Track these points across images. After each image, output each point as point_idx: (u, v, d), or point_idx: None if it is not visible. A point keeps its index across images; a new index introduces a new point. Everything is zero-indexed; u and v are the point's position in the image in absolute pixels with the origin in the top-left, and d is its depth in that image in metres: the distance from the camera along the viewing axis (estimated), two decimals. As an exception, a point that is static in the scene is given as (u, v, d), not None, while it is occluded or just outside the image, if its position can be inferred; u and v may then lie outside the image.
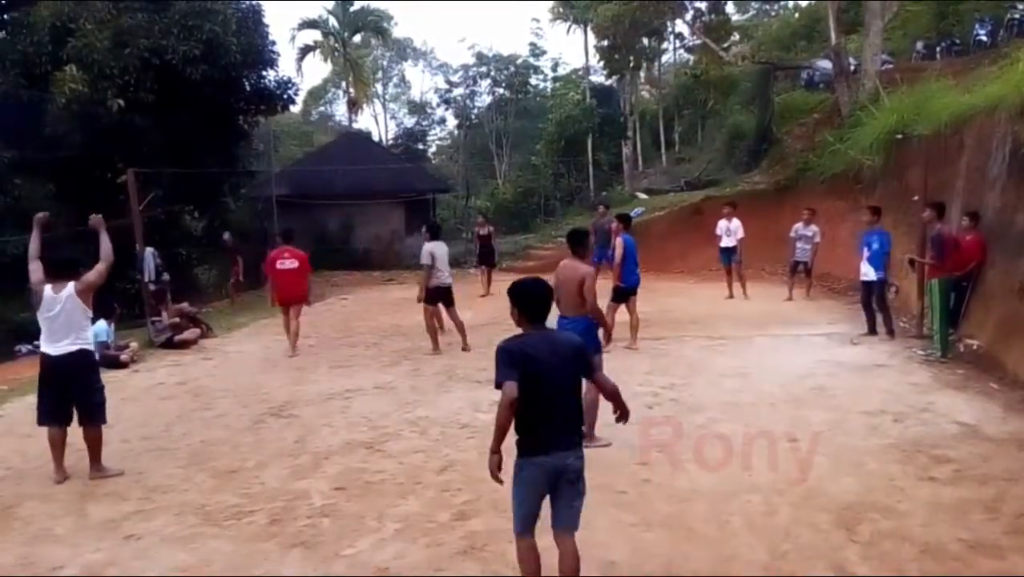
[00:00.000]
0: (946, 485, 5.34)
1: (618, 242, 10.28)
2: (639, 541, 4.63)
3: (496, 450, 3.67)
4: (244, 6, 18.95)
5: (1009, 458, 5.82)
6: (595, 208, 18.39)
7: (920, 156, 11.31)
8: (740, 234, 14.75)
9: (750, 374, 8.77)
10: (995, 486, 5.28)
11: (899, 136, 12.96)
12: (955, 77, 13.58)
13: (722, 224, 15.22)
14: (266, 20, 19.53)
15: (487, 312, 14.65)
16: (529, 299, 3.85)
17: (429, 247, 10.81)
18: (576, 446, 3.77)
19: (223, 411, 8.14)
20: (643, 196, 26.68)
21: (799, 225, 14.43)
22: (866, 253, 10.73)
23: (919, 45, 22.11)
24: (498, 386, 3.58)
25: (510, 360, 3.61)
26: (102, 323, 11.13)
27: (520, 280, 3.97)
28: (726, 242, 15.10)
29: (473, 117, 46.84)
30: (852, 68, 19.46)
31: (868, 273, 10.69)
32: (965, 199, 10.57)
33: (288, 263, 11.26)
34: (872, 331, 10.64)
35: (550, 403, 3.64)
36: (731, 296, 15.02)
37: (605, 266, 13.76)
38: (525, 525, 3.76)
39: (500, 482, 3.70)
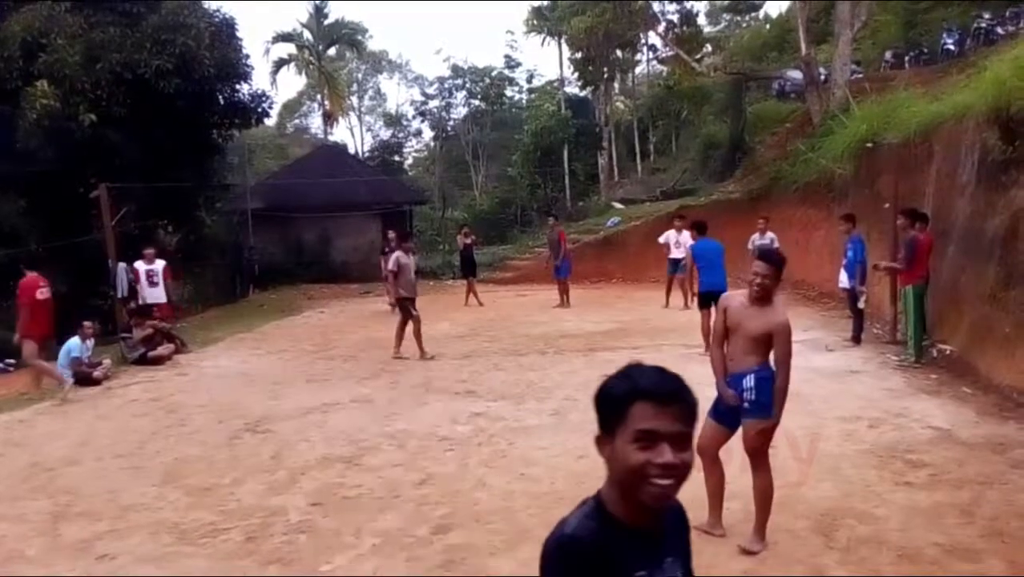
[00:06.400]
0: (921, 490, 5.40)
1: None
2: (619, 551, 4.62)
3: None
4: (217, 20, 18.81)
5: (983, 462, 5.89)
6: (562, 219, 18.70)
7: (890, 164, 11.47)
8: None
9: (727, 382, 8.80)
10: (970, 490, 5.34)
11: (869, 144, 13.13)
12: (924, 86, 13.79)
13: (671, 235, 15.34)
14: (240, 34, 19.42)
15: (465, 323, 14.65)
16: None
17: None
18: None
19: (198, 427, 8.04)
20: (619, 206, 26.83)
21: (755, 236, 14.17)
22: (843, 261, 10.95)
23: (888, 55, 22.48)
24: None
25: None
26: (75, 340, 10.98)
27: None
28: (676, 253, 15.17)
29: (449, 129, 46.89)
30: (822, 78, 19.73)
31: (843, 281, 10.94)
32: (935, 206, 10.73)
33: (47, 291, 10.35)
34: (856, 339, 10.72)
35: None
36: (667, 305, 15.00)
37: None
38: None
39: None
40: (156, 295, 13.09)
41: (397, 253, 11.50)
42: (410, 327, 11.27)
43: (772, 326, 4.42)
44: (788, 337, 4.44)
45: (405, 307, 11.26)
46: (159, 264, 13.25)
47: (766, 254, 4.75)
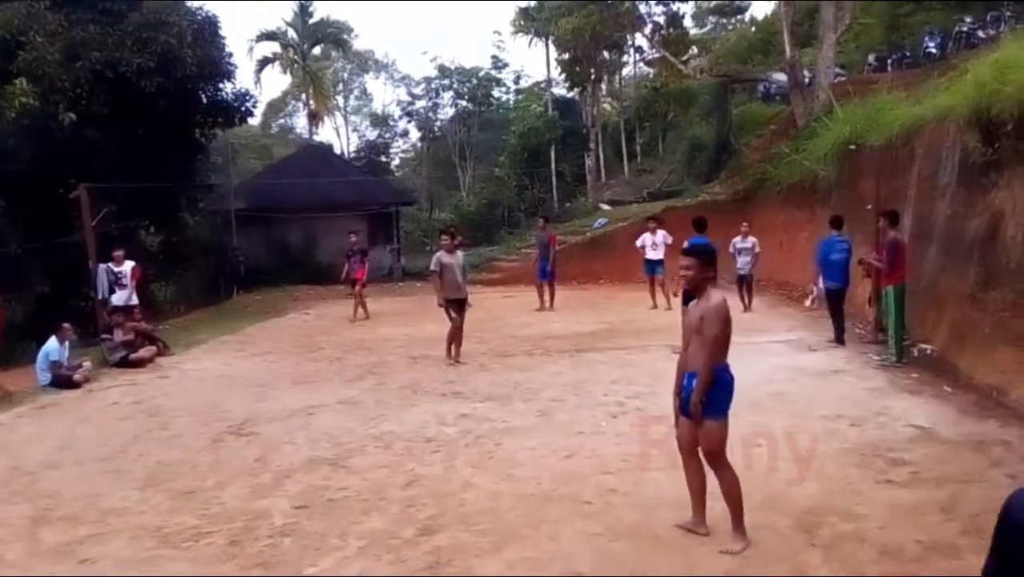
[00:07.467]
0: (903, 488, 5.44)
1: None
2: (605, 551, 4.63)
3: None
4: (200, 18, 18.69)
5: (963, 460, 5.94)
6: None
7: (872, 166, 11.56)
8: (670, 240, 14.81)
9: (712, 382, 8.84)
10: (950, 488, 5.38)
11: (852, 147, 13.23)
12: (906, 89, 13.90)
13: (646, 237, 15.50)
14: (223, 32, 19.33)
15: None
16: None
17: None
18: None
19: (180, 430, 7.97)
20: (606, 207, 26.91)
21: (737, 239, 14.41)
22: None
23: (871, 58, 22.68)
24: None
25: None
26: (53, 341, 10.85)
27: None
28: (651, 254, 15.33)
29: (436, 129, 46.83)
30: (807, 81, 19.90)
31: (820, 281, 11.07)
32: (916, 207, 10.83)
33: None
34: (839, 339, 10.74)
35: None
36: (655, 307, 15.07)
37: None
38: None
39: None
40: (123, 298, 12.85)
41: (439, 253, 11.30)
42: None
43: (704, 311, 4.48)
44: (717, 317, 4.44)
45: (448, 311, 11.01)
46: (127, 266, 13.01)
47: (688, 247, 4.90)
